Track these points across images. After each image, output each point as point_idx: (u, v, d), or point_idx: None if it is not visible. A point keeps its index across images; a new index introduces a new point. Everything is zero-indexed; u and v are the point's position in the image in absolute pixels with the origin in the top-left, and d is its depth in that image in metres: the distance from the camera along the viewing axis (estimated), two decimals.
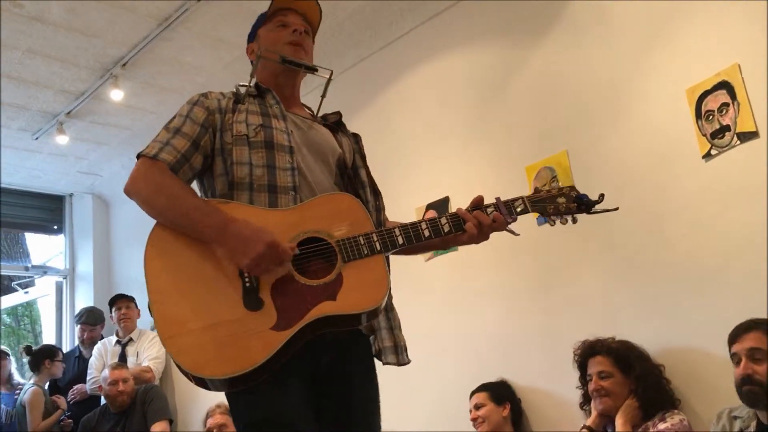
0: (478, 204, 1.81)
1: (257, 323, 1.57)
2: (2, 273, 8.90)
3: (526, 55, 3.52)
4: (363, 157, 1.98)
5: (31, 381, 4.94)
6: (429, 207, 3.85)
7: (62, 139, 5.18)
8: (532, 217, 3.36)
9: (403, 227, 1.72)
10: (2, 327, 9.81)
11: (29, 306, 9.31)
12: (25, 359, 5.37)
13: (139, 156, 1.76)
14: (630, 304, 2.98)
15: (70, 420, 4.87)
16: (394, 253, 1.79)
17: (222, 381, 1.56)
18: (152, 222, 1.82)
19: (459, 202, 3.66)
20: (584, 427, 2.76)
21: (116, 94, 4.57)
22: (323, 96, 2.06)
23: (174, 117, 1.82)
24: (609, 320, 3.00)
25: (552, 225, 1.85)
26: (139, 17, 3.99)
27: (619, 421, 2.57)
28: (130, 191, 1.74)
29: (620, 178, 3.06)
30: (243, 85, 1.94)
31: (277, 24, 1.95)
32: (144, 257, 1.67)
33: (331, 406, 1.73)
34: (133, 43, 4.25)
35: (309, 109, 2.05)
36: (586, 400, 2.84)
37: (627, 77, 3.10)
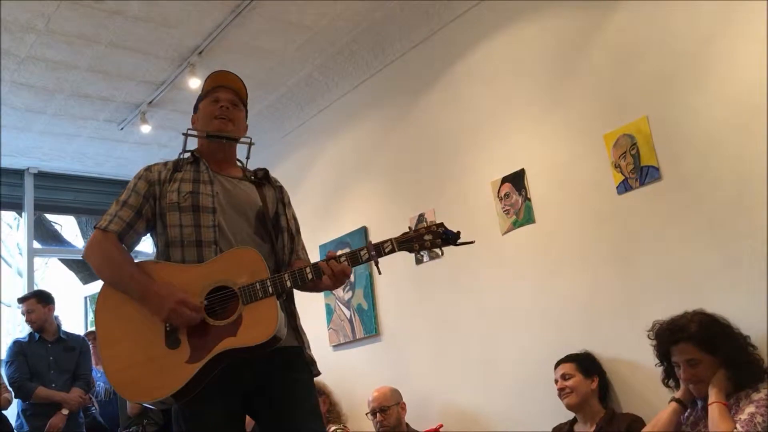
0: (332, 256, 2.13)
1: (175, 358, 2.00)
2: None
3: (601, 18, 3.41)
4: (285, 205, 2.37)
5: None
6: (505, 179, 3.80)
7: (145, 129, 5.38)
8: (613, 186, 3.28)
9: (291, 272, 2.09)
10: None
11: None
12: None
13: (94, 227, 2.18)
14: (716, 272, 2.88)
15: None
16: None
17: (152, 404, 2.05)
18: None
19: (535, 173, 3.64)
20: (673, 399, 2.71)
21: (194, 83, 4.68)
22: (248, 158, 2.43)
23: (123, 190, 2.27)
24: (695, 290, 2.91)
25: (420, 259, 2.13)
26: (212, 5, 4.08)
27: (712, 391, 2.51)
28: (85, 258, 2.18)
29: (704, 143, 2.95)
30: (187, 151, 2.33)
31: (211, 100, 2.35)
32: (95, 311, 2.09)
33: (264, 402, 2.11)
34: (208, 32, 4.35)
35: (241, 162, 2.42)
36: (667, 375, 2.77)
37: (709, 37, 2.97)
